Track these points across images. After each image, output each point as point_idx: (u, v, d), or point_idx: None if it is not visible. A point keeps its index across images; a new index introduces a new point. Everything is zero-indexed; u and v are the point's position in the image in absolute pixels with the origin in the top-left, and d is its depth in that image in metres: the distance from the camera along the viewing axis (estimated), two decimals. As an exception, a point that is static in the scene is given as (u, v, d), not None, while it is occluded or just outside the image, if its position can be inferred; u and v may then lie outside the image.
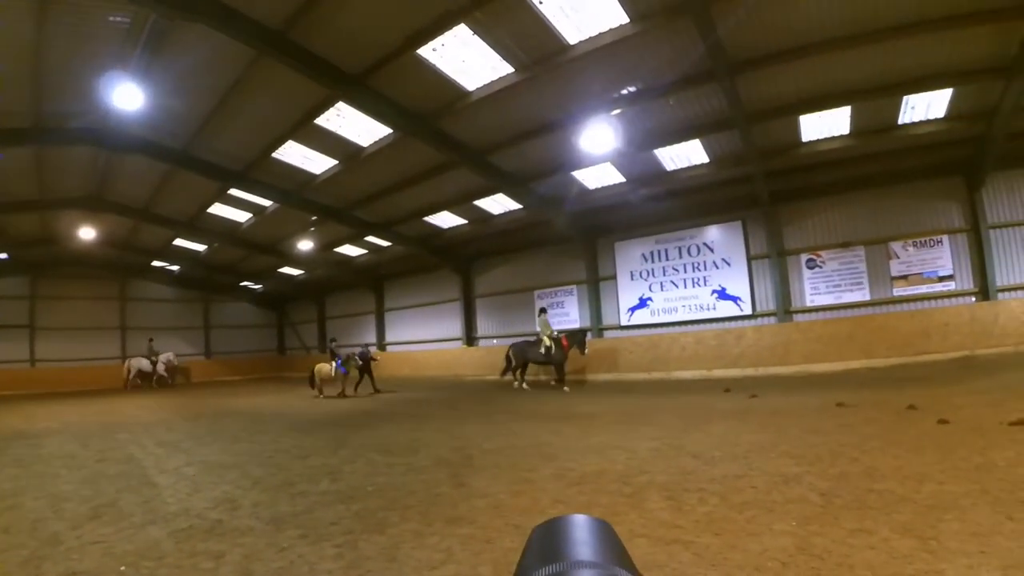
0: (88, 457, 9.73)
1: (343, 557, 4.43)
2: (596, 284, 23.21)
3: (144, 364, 31.11)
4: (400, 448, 9.05)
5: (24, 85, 13.42)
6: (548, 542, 0.55)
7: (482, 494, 5.98)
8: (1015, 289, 15.84)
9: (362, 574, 4.10)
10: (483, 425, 11.01)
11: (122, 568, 4.46)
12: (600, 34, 11.59)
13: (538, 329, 19.18)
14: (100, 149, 17.20)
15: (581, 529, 0.57)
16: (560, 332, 18.83)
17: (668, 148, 16.48)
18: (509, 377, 19.50)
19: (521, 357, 18.96)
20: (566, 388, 17.40)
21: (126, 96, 12.63)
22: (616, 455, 7.31)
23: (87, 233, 24.00)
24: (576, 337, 18.29)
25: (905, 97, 13.67)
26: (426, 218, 23.19)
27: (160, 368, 31.49)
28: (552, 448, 8.19)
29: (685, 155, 17.19)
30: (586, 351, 18.29)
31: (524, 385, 18.71)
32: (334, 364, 20.03)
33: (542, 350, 18.20)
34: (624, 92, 13.65)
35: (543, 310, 19.80)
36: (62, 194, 21.26)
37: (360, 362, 20.55)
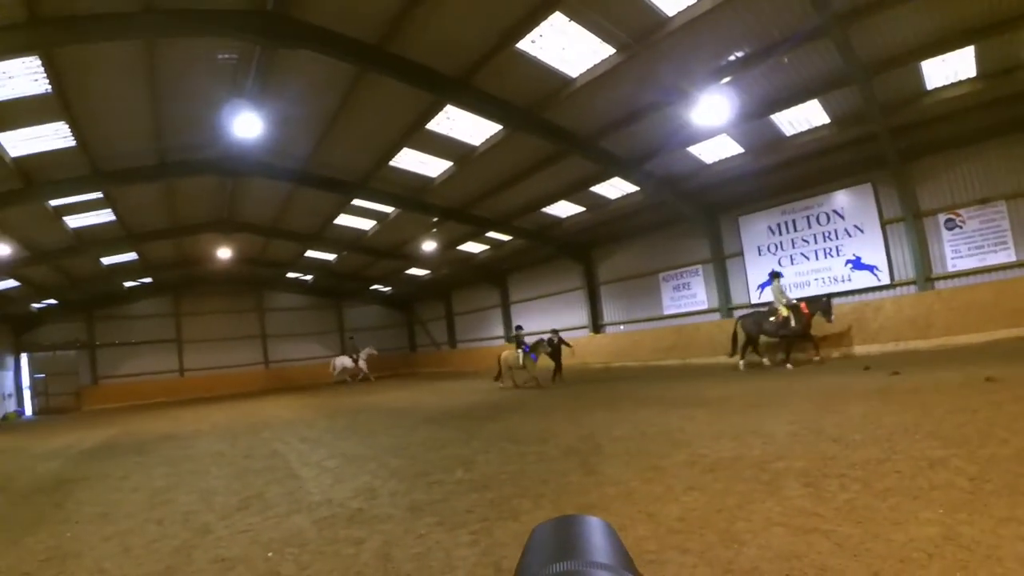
0: (235, 454, 10.52)
1: (478, 543, 4.55)
2: (722, 262, 22.51)
3: (347, 361, 33.50)
4: (530, 438, 9.18)
5: (148, 126, 14.64)
6: (553, 541, 0.55)
7: (613, 481, 5.97)
8: None
9: (497, 560, 4.18)
10: (610, 413, 10.95)
11: (269, 554, 4.81)
12: (698, 2, 11.21)
13: (771, 298, 17.17)
14: (225, 176, 18.36)
15: (585, 529, 0.57)
16: (799, 299, 16.65)
17: (785, 112, 15.72)
18: (735, 359, 17.25)
19: (754, 330, 16.94)
20: (789, 366, 15.76)
21: (244, 124, 13.40)
22: (751, 440, 7.11)
23: (222, 252, 25.74)
24: (819, 303, 16.02)
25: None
26: (543, 209, 23.29)
27: (362, 364, 33.41)
28: (684, 434, 8.07)
29: (804, 118, 16.37)
30: (832, 318, 16.03)
31: (743, 365, 16.87)
32: (521, 351, 19.11)
33: (779, 319, 16.12)
34: (731, 59, 13.16)
35: (776, 274, 17.05)
36: (195, 220, 23.09)
37: (550, 348, 19.51)
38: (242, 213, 23.31)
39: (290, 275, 35.94)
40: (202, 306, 36.07)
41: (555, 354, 19.61)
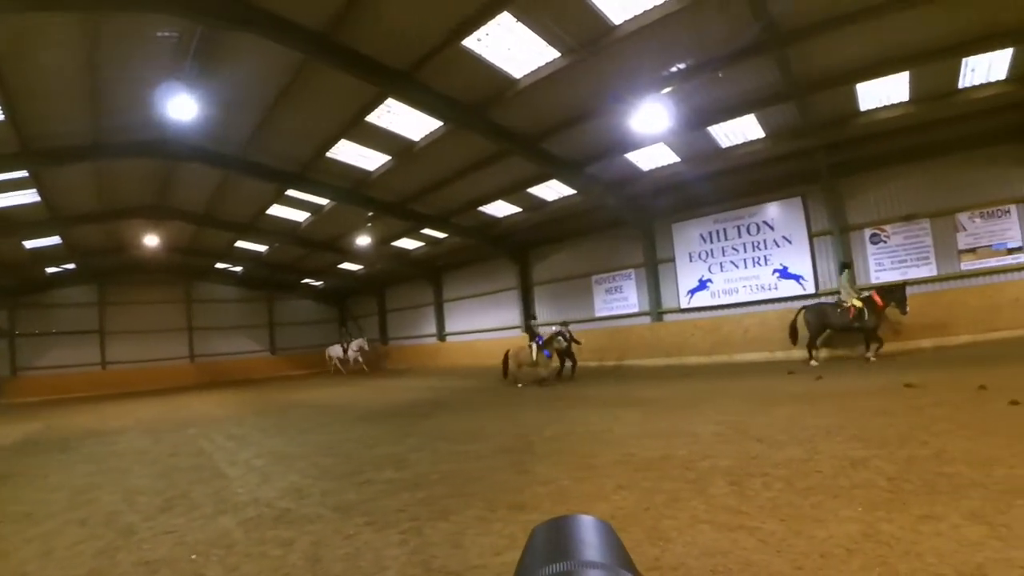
0: (160, 452, 10.19)
1: (408, 543, 4.53)
2: (654, 267, 22.84)
3: (338, 351, 33.80)
4: (463, 436, 9.18)
5: (82, 103, 13.93)
6: (551, 542, 0.55)
7: (545, 480, 6.02)
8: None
9: (426, 559, 4.17)
10: (542, 412, 11.04)
11: (193, 556, 4.66)
12: (646, 12, 11.37)
13: (840, 290, 15.74)
14: (159, 160, 17.76)
15: (584, 529, 0.57)
16: (872, 288, 15.63)
17: (722, 125, 16.10)
18: (803, 353, 15.78)
19: (819, 324, 15.37)
20: (872, 357, 14.63)
21: (181, 107, 12.93)
22: (679, 440, 7.26)
23: (151, 240, 24.70)
24: (894, 293, 14.72)
25: (965, 59, 12.99)
26: (481, 208, 23.26)
27: (351, 354, 33.07)
28: (615, 434, 8.20)
29: (740, 131, 16.79)
30: (907, 309, 14.71)
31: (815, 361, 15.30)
32: (534, 346, 17.24)
33: (850, 312, 14.75)
34: (674, 70, 13.39)
35: (847, 265, 16.07)
36: (124, 204, 22.12)
37: (564, 343, 17.51)
38: (174, 199, 22.44)
39: (220, 266, 34.80)
40: (128, 296, 34.40)
41: (568, 349, 17.80)
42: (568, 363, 18.13)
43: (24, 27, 10.61)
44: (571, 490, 5.57)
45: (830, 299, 16.55)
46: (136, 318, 34.64)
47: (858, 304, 14.75)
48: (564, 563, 0.50)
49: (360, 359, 32.95)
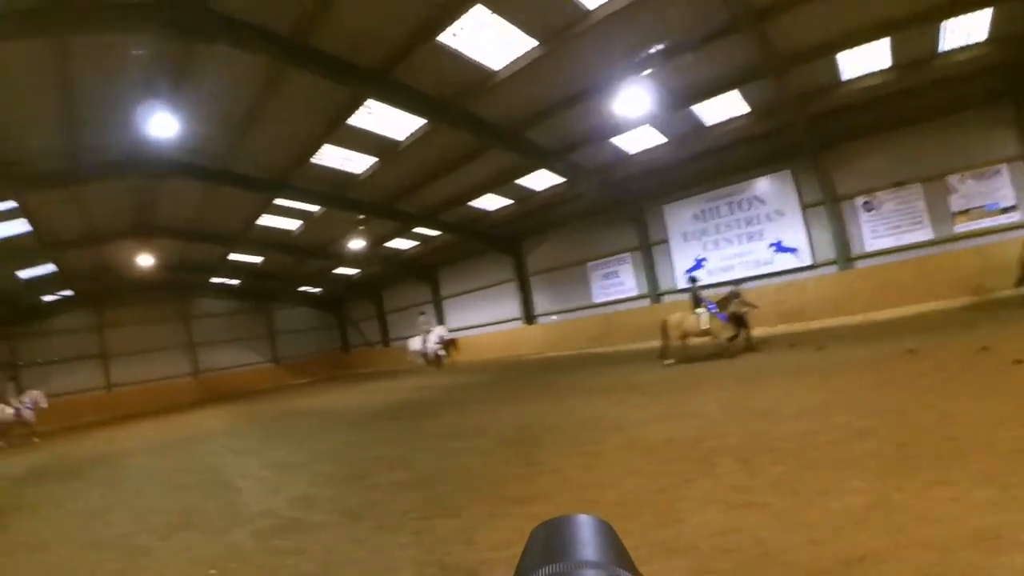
0: (170, 470, 10.23)
1: (420, 544, 4.51)
2: (649, 249, 22.91)
3: (418, 344, 29.88)
4: (466, 432, 9.16)
5: (58, 125, 13.78)
6: (550, 542, 0.54)
7: (552, 471, 6.01)
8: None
9: (440, 558, 4.15)
10: (544, 403, 11.00)
11: (212, 572, 4.64)
12: (618, -5, 11.32)
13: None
14: (140, 178, 17.62)
15: (583, 529, 0.55)
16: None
17: (706, 103, 16.06)
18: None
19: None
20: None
21: (159, 123, 12.84)
22: (684, 421, 7.24)
23: (143, 260, 24.40)
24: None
25: (944, 22, 12.90)
26: (470, 203, 23.22)
27: (431, 346, 29.07)
28: (620, 419, 8.16)
29: (724, 108, 16.76)
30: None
31: None
32: (703, 312, 14.22)
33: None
34: (651, 51, 13.30)
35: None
36: (112, 227, 21.93)
37: (745, 308, 14.39)
38: (160, 216, 22.25)
39: (215, 280, 34.71)
40: (126, 317, 34.20)
41: (739, 317, 14.51)
42: (743, 331, 14.68)
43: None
44: (579, 479, 5.55)
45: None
46: (137, 339, 34.51)
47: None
48: (560, 563, 0.49)
49: (442, 352, 28.84)
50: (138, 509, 7.39)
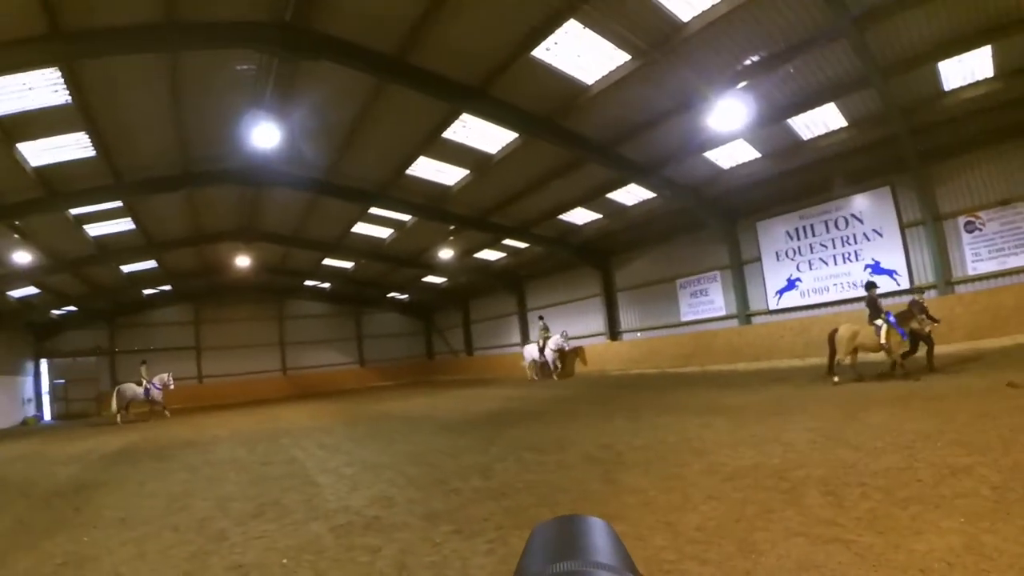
0: (253, 460, 10.58)
1: (495, 552, 4.54)
2: (740, 268, 22.34)
3: (534, 352, 27.71)
4: (549, 445, 9.11)
5: (170, 136, 14.78)
6: (554, 541, 0.55)
7: (632, 490, 5.93)
8: None
9: (512, 568, 4.13)
10: (630, 421, 10.84)
11: (284, 561, 4.82)
12: (713, 6, 11.20)
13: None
14: (245, 186, 18.52)
15: (586, 529, 0.58)
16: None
17: (802, 116, 15.65)
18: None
19: None
20: None
21: (263, 135, 13.49)
22: (771, 448, 7.02)
23: (242, 261, 25.94)
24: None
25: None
26: (560, 216, 23.32)
27: (548, 354, 26.59)
28: (704, 442, 7.99)
29: (821, 121, 16.28)
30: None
31: None
32: (882, 324, 12.36)
33: None
34: (747, 63, 13.08)
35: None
36: (215, 229, 23.29)
37: (930, 323, 12.20)
38: (262, 222, 23.51)
39: (309, 283, 36.28)
40: (221, 314, 36.49)
41: (921, 333, 12.41)
42: (924, 348, 12.71)
43: (110, 69, 11.27)
44: (658, 500, 5.46)
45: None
46: (230, 335, 36.64)
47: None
48: (569, 563, 0.49)
49: (558, 363, 26.49)
50: (219, 495, 7.69)
